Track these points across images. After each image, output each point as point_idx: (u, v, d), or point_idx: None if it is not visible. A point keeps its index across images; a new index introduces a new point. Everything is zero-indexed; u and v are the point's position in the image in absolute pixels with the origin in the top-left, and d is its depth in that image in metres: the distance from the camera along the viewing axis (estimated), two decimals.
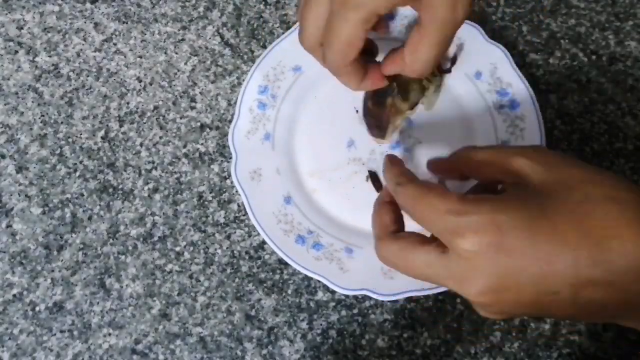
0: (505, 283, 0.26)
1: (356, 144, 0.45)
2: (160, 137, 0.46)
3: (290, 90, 0.45)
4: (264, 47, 0.48)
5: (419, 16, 0.31)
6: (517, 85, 0.44)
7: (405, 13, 0.45)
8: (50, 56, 0.48)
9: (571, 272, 0.25)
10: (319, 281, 0.42)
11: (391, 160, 0.34)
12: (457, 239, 0.26)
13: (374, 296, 0.40)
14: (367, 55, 0.35)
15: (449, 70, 0.44)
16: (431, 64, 0.32)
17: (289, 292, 0.43)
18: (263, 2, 0.49)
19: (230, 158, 0.44)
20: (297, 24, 0.45)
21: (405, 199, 0.30)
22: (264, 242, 0.43)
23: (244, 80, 0.45)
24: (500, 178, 0.31)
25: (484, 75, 0.44)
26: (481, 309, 0.28)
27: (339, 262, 0.41)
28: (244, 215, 0.44)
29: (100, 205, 0.44)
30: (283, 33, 0.46)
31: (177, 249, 0.43)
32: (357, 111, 0.45)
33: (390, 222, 0.32)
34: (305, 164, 0.44)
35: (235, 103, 0.46)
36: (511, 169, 0.29)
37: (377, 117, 0.42)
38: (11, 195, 0.45)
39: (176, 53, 0.48)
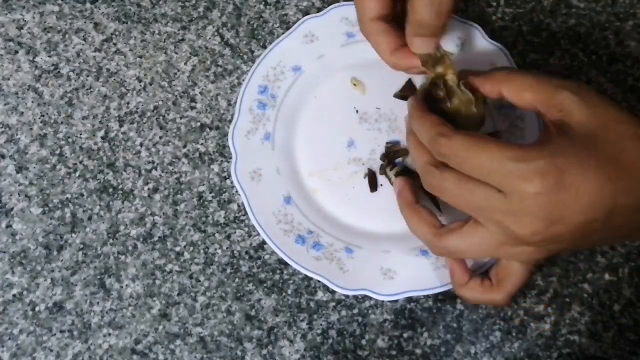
0: (560, 216, 0.29)
1: (356, 144, 0.45)
2: (160, 137, 0.46)
3: (290, 90, 0.45)
4: (264, 47, 0.48)
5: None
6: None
7: None
8: (50, 56, 0.48)
9: (610, 201, 0.29)
10: (318, 281, 0.42)
11: (420, 107, 0.35)
12: (523, 182, 0.29)
13: (374, 296, 0.40)
14: None
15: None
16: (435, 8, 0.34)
17: (289, 292, 0.43)
18: (263, 2, 0.49)
19: (230, 158, 0.44)
20: (297, 23, 0.45)
21: (455, 149, 0.31)
22: (264, 242, 0.43)
23: (244, 80, 0.45)
24: (543, 110, 0.32)
25: None
26: (530, 243, 0.31)
27: (339, 262, 0.41)
28: (244, 215, 0.44)
29: (100, 205, 0.44)
30: (283, 33, 0.46)
31: (177, 249, 0.44)
32: (357, 111, 0.45)
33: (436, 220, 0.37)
34: (305, 164, 0.44)
35: (235, 103, 0.46)
36: (556, 102, 0.31)
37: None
38: (11, 195, 0.45)
39: (176, 53, 0.48)
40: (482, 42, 0.44)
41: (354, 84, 0.45)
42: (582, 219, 0.29)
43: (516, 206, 0.29)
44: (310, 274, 0.41)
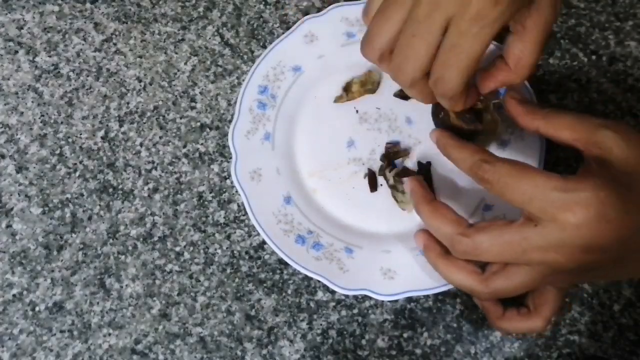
0: (599, 245, 0.29)
1: (356, 144, 0.45)
2: (160, 137, 0.46)
3: (290, 90, 0.45)
4: (264, 47, 0.48)
5: (519, 22, 0.32)
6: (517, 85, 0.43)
7: None
8: (50, 56, 0.48)
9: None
10: (319, 281, 0.42)
11: (453, 137, 0.36)
12: (565, 213, 0.29)
13: (374, 296, 0.40)
14: None
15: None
16: (535, 65, 0.34)
17: (289, 292, 0.43)
18: (263, 2, 0.49)
19: (230, 158, 0.44)
20: (297, 23, 0.45)
21: (498, 175, 0.32)
22: (264, 242, 0.43)
23: (244, 80, 0.45)
24: (582, 147, 0.33)
25: None
26: (568, 270, 0.31)
27: (339, 262, 0.41)
28: (244, 215, 0.44)
29: (100, 205, 0.44)
30: (283, 33, 0.46)
31: (177, 249, 0.44)
32: (357, 111, 0.45)
33: (462, 217, 0.35)
34: (305, 164, 0.44)
35: (235, 103, 0.46)
36: (595, 140, 0.32)
37: (458, 131, 0.38)
38: (11, 195, 0.45)
39: (176, 53, 0.48)
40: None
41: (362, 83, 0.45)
42: (618, 249, 0.30)
43: (556, 236, 0.30)
44: (310, 274, 0.41)
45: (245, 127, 0.44)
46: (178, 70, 0.47)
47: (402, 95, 0.45)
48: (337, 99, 0.45)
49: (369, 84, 0.45)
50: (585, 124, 0.33)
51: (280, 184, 0.44)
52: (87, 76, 0.47)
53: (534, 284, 0.33)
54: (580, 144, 0.33)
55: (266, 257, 0.43)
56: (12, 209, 0.44)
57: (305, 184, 0.44)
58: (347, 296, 0.42)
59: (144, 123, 0.46)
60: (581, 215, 0.29)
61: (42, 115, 0.46)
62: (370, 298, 0.42)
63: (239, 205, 0.44)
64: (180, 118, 0.46)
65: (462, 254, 0.33)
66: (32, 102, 0.47)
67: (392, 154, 0.44)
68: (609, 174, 0.31)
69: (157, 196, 0.45)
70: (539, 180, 0.30)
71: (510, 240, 0.31)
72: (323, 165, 0.44)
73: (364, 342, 0.42)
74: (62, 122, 0.46)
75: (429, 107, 0.45)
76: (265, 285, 0.43)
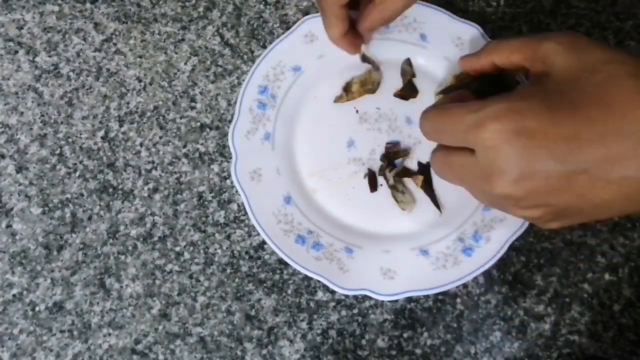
0: (533, 167, 0.26)
1: (356, 144, 0.45)
2: (160, 137, 0.46)
3: (290, 90, 0.45)
4: (264, 47, 0.48)
5: None
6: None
7: (405, 13, 0.45)
8: (50, 56, 0.48)
9: (599, 147, 0.25)
10: (319, 281, 0.42)
11: (463, 60, 0.37)
12: (478, 130, 0.27)
13: (374, 296, 0.40)
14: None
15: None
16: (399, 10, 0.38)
17: (289, 292, 0.43)
18: (263, 2, 0.49)
19: (230, 158, 0.44)
20: (297, 23, 0.45)
21: (430, 123, 0.31)
22: (264, 242, 0.43)
23: (244, 80, 0.45)
24: (528, 65, 0.31)
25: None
26: (517, 206, 0.28)
27: (339, 262, 0.41)
28: (244, 215, 0.44)
29: (100, 205, 0.44)
30: (283, 33, 0.46)
31: (177, 249, 0.44)
32: (357, 111, 0.45)
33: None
34: (305, 164, 0.44)
35: (235, 103, 0.46)
36: (540, 54, 0.29)
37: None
38: (11, 195, 0.45)
39: (176, 53, 0.48)
40: (482, 42, 0.44)
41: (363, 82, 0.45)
42: (562, 170, 0.25)
43: (483, 160, 0.27)
44: (310, 274, 0.41)
45: (245, 127, 0.44)
46: (178, 70, 0.47)
47: (402, 95, 0.45)
48: (337, 99, 0.45)
49: (369, 84, 0.45)
50: (531, 41, 0.31)
51: (280, 184, 0.44)
52: (87, 76, 0.47)
53: (495, 206, 0.31)
54: (528, 64, 0.31)
55: (266, 257, 0.43)
56: (12, 209, 0.44)
57: (305, 184, 0.44)
58: (347, 296, 0.42)
59: (144, 123, 0.46)
60: (494, 128, 0.26)
61: (42, 115, 0.46)
62: (370, 298, 0.42)
63: (239, 205, 0.44)
64: (180, 118, 0.46)
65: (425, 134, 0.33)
66: (32, 102, 0.47)
67: (392, 154, 0.44)
68: (537, 86, 0.28)
69: (157, 196, 0.45)
70: (457, 110, 0.29)
71: (451, 163, 0.30)
72: (323, 165, 0.44)
73: (364, 342, 0.42)
74: (62, 122, 0.46)
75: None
76: (265, 285, 0.43)
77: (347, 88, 0.45)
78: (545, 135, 0.25)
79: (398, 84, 0.45)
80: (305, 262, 0.41)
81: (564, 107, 0.26)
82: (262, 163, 0.44)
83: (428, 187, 0.43)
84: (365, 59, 0.45)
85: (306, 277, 0.43)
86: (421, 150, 0.44)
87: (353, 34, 0.42)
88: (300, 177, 0.44)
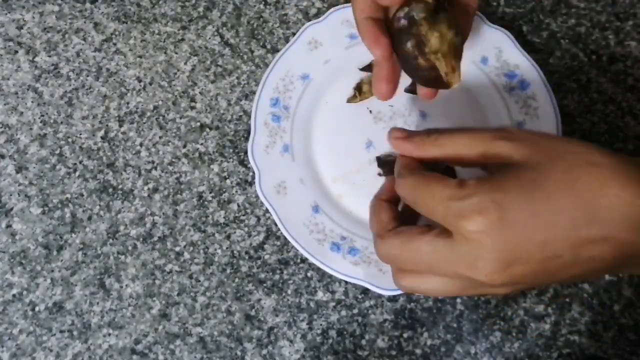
0: (514, 255, 0.27)
1: (375, 144, 0.44)
2: (160, 137, 0.46)
3: (302, 99, 0.45)
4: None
5: None
6: (525, 66, 0.44)
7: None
8: (50, 56, 0.48)
9: (570, 234, 0.27)
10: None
11: (397, 144, 0.34)
12: (462, 221, 0.27)
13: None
14: None
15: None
16: None
17: (289, 292, 0.43)
18: (263, 2, 0.49)
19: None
20: (299, 31, 0.45)
21: (406, 190, 0.31)
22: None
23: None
24: (483, 163, 0.31)
25: (490, 60, 0.44)
26: (492, 288, 0.29)
27: (377, 264, 0.41)
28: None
29: (100, 205, 0.44)
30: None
31: (177, 249, 0.43)
32: (370, 111, 0.45)
33: (388, 220, 0.33)
34: (328, 170, 0.44)
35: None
36: (493, 153, 0.30)
37: (430, 68, 0.36)
38: (11, 195, 0.45)
39: (176, 53, 0.48)
40: (484, 27, 0.44)
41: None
42: (540, 257, 0.27)
43: (464, 248, 0.28)
44: (351, 280, 0.40)
45: (263, 141, 0.44)
46: (178, 70, 0.47)
47: (413, 90, 0.45)
48: (350, 99, 0.45)
49: None
50: (478, 140, 0.31)
51: (306, 194, 0.43)
52: (87, 76, 0.47)
53: (454, 294, 0.31)
54: (481, 160, 0.31)
55: (266, 257, 0.43)
56: (12, 209, 0.44)
57: (330, 190, 0.44)
58: (347, 296, 0.42)
59: (144, 123, 0.46)
60: (479, 221, 0.27)
61: (42, 115, 0.46)
62: (371, 298, 0.42)
63: (238, 205, 0.44)
64: (180, 118, 0.46)
65: (379, 257, 0.32)
66: (32, 102, 0.47)
67: (388, 162, 0.43)
68: (512, 174, 0.29)
69: (157, 196, 0.45)
70: (436, 191, 0.29)
71: (417, 249, 0.29)
72: (345, 169, 0.44)
73: (364, 342, 0.42)
74: (62, 122, 0.46)
75: (443, 101, 0.43)
76: (265, 285, 0.43)
77: (358, 88, 0.45)
78: (524, 226, 0.27)
79: (407, 79, 0.45)
80: (345, 269, 0.41)
81: (538, 197, 0.27)
82: (285, 175, 0.43)
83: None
84: (364, 68, 0.45)
85: (306, 277, 0.43)
86: None
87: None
88: (325, 184, 0.44)
